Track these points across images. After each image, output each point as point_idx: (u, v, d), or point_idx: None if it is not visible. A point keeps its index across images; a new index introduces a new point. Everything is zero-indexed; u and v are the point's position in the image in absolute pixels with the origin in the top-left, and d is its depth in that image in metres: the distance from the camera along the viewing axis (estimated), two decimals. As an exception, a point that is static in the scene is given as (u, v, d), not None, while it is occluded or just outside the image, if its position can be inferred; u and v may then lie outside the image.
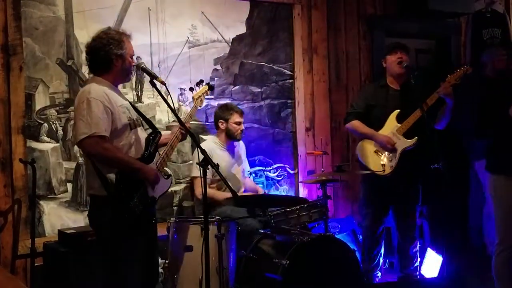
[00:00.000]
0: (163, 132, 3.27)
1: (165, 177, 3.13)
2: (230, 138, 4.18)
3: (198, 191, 3.99)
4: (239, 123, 4.17)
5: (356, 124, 4.21)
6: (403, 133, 4.07)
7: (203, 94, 3.48)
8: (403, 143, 4.07)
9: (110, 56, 2.92)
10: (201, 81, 3.57)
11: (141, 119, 3.10)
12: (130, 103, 3.10)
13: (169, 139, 3.16)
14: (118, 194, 2.84)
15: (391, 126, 4.11)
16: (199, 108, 3.53)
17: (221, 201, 3.93)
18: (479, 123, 3.61)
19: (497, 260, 3.49)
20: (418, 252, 4.35)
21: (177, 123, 3.11)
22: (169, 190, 3.28)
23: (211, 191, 3.95)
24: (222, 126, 4.15)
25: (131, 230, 2.86)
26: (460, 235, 5.20)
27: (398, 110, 4.12)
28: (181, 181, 4.30)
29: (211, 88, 3.56)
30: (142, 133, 3.04)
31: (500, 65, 4.50)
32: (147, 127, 3.16)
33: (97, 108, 2.80)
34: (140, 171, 2.88)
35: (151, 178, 2.92)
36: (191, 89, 3.57)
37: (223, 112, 4.17)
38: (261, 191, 4.42)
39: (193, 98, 3.45)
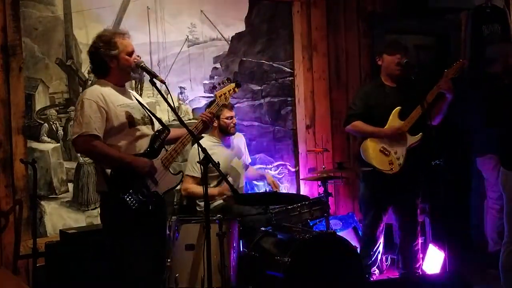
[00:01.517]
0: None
1: (174, 173, 3.14)
2: (224, 133, 4.17)
3: (183, 186, 4.03)
4: (230, 118, 4.15)
5: (358, 124, 4.15)
6: (407, 130, 4.06)
7: (228, 91, 3.39)
8: (408, 140, 4.06)
9: (103, 59, 2.97)
10: (228, 79, 3.49)
11: (150, 117, 3.12)
12: (140, 102, 3.13)
13: (182, 135, 3.15)
14: (113, 189, 2.88)
15: (394, 124, 4.10)
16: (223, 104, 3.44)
17: (199, 195, 3.96)
18: (490, 112, 3.56)
19: (507, 258, 3.44)
20: (419, 249, 4.35)
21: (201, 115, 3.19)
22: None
23: (191, 186, 4.00)
24: (214, 123, 4.15)
25: (130, 224, 2.88)
26: (461, 232, 5.20)
27: (399, 108, 4.10)
28: (182, 179, 4.28)
29: (238, 85, 3.44)
30: (149, 131, 3.07)
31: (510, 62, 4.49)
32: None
33: (90, 108, 2.87)
34: (131, 164, 2.90)
35: (144, 170, 2.93)
36: (214, 87, 3.53)
37: None
38: (267, 176, 4.43)
39: (215, 96, 3.39)
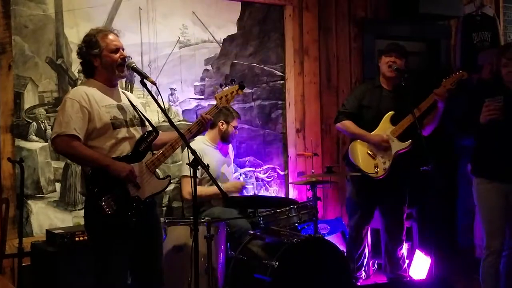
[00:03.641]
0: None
1: (161, 177, 3.03)
2: (223, 139, 4.18)
3: (186, 190, 3.98)
4: (236, 127, 4.18)
5: (347, 124, 4.17)
6: (397, 136, 4.09)
7: (231, 93, 3.19)
8: (397, 146, 4.08)
9: (88, 58, 2.93)
10: (233, 80, 3.29)
11: (141, 118, 3.05)
12: (131, 102, 3.06)
13: (171, 140, 3.04)
14: (89, 193, 2.82)
15: (384, 128, 4.12)
16: (224, 106, 3.24)
17: (208, 196, 3.92)
18: (463, 121, 3.61)
19: (484, 264, 3.51)
20: (405, 254, 4.37)
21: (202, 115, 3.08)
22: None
23: (198, 189, 3.93)
24: (221, 126, 4.13)
25: (108, 230, 2.81)
26: (448, 237, 5.23)
27: (392, 112, 4.11)
28: (171, 181, 4.27)
29: (242, 87, 3.22)
30: (137, 133, 2.99)
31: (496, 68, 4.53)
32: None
33: (71, 108, 2.81)
34: (109, 168, 2.80)
35: (122, 175, 2.81)
36: (219, 86, 3.36)
37: (227, 114, 4.14)
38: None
39: (215, 98, 3.21)
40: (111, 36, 2.95)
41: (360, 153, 4.15)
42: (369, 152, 4.12)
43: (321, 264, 3.41)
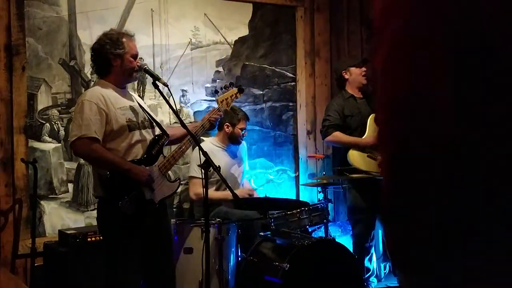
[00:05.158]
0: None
1: (171, 180, 3.08)
2: (231, 141, 4.16)
3: (193, 191, 3.97)
4: (243, 129, 4.18)
5: (339, 135, 4.20)
6: None
7: (230, 97, 3.31)
8: None
9: (108, 56, 2.92)
10: (231, 84, 3.41)
11: (150, 121, 3.07)
12: (141, 105, 3.08)
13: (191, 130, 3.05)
14: (108, 195, 2.85)
15: (373, 130, 4.17)
16: (230, 108, 3.40)
17: (217, 200, 3.92)
18: None
19: None
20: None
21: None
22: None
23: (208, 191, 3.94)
24: (227, 129, 4.13)
25: (123, 230, 2.85)
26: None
27: (374, 114, 4.17)
28: (181, 182, 4.28)
29: (241, 90, 3.37)
30: (149, 135, 3.02)
31: None
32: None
33: (90, 110, 2.82)
34: (129, 172, 2.83)
35: (142, 179, 2.86)
36: (216, 91, 3.45)
37: (232, 116, 4.12)
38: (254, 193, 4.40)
39: (217, 101, 3.30)
40: (133, 42, 3.00)
41: (361, 158, 4.17)
42: (368, 155, 4.17)
43: (332, 266, 3.40)
